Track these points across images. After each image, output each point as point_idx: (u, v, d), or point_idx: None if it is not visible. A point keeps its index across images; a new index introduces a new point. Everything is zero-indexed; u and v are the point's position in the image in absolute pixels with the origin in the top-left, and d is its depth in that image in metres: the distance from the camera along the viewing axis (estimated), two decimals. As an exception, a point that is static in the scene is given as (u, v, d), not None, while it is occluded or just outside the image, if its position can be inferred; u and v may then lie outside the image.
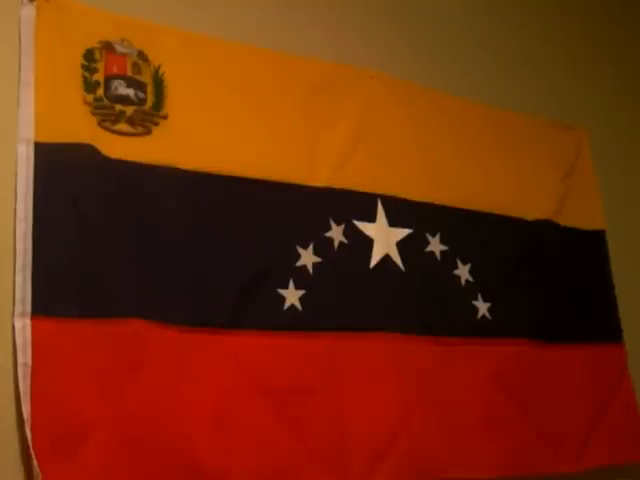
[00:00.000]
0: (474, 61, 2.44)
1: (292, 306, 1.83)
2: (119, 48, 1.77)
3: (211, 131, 1.84)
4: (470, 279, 2.13)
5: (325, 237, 1.93)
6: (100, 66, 1.74)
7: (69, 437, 1.48)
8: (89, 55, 1.73)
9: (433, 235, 2.11)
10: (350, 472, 1.78)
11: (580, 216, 2.44)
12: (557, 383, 2.18)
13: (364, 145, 2.07)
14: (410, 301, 2.01)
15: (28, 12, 1.69)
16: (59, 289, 1.56)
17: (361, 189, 2.02)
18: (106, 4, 1.79)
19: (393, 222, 2.04)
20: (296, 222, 1.90)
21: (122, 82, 1.75)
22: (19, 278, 1.53)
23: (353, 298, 1.92)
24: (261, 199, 1.86)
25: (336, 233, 1.95)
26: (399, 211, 2.06)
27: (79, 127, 1.66)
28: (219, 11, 1.98)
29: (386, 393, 1.89)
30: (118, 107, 1.73)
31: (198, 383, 1.65)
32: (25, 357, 1.49)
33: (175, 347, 1.65)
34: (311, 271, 1.88)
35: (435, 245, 2.11)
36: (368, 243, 1.99)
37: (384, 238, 2.01)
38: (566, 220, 2.40)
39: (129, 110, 1.74)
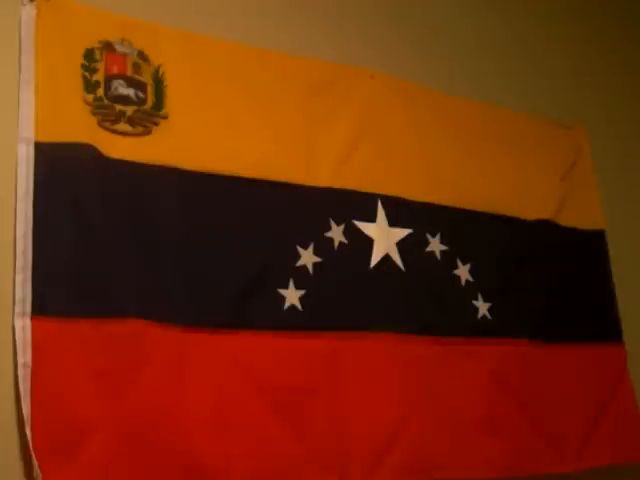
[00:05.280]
0: (474, 61, 2.44)
1: (292, 306, 1.83)
2: (119, 48, 1.77)
3: (211, 131, 1.84)
4: (470, 279, 2.13)
5: (325, 237, 1.93)
6: (100, 66, 1.74)
7: (69, 437, 1.48)
8: (89, 55, 1.73)
9: (433, 235, 2.11)
10: (350, 472, 1.78)
11: (580, 216, 2.44)
12: (557, 383, 2.18)
13: (364, 145, 2.07)
14: (410, 301, 2.01)
15: (28, 12, 1.69)
16: (59, 289, 1.56)
17: (361, 189, 2.02)
18: (106, 4, 1.79)
19: (393, 222, 2.04)
20: (296, 222, 1.90)
21: (122, 82, 1.75)
22: (19, 278, 1.53)
23: (353, 298, 1.92)
24: (261, 199, 1.86)
25: (336, 233, 1.95)
26: (399, 211, 2.06)
27: (79, 127, 1.66)
28: (219, 11, 1.98)
29: (386, 393, 1.89)
30: (118, 107, 1.73)
31: (198, 383, 1.65)
32: (25, 357, 1.49)
33: (175, 347, 1.65)
34: (311, 271, 1.88)
35: (435, 245, 2.11)
36: (368, 243, 1.99)
37: (384, 238, 2.01)
38: (566, 220, 2.40)
39: (129, 110, 1.74)
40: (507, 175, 2.33)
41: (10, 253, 1.55)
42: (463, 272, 2.13)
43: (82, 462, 1.48)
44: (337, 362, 1.85)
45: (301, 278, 1.86)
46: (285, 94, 1.99)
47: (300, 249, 1.88)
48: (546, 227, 2.34)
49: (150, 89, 1.78)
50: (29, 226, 1.56)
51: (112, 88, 1.73)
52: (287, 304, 1.82)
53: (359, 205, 2.01)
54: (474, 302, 2.12)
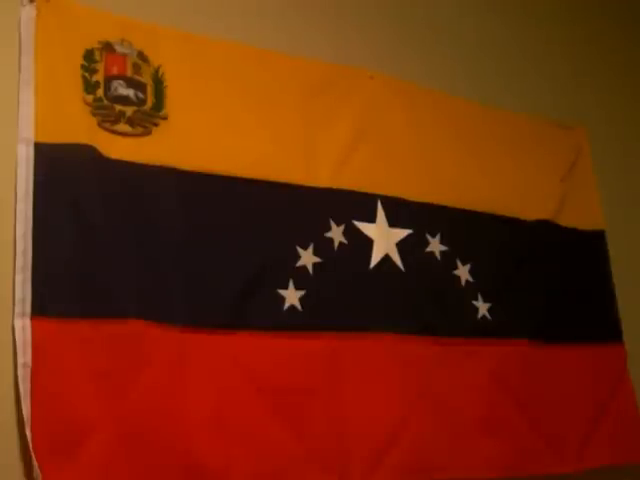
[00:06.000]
0: (474, 61, 2.44)
1: (292, 306, 1.83)
2: (119, 48, 1.77)
3: (211, 131, 1.84)
4: (470, 279, 2.13)
5: (325, 237, 1.93)
6: (100, 66, 1.74)
7: (69, 437, 1.48)
8: (89, 55, 1.73)
9: (433, 235, 2.11)
10: (350, 472, 1.78)
11: (580, 216, 2.44)
12: (557, 383, 2.18)
13: (364, 145, 2.07)
14: (410, 301, 2.01)
15: (28, 12, 1.69)
16: (59, 289, 1.56)
17: (361, 189, 2.02)
18: (106, 4, 1.79)
19: (393, 222, 2.04)
20: (296, 222, 1.90)
21: (122, 82, 1.75)
22: (19, 278, 1.53)
23: (353, 298, 1.92)
24: (261, 199, 1.86)
25: (336, 233, 1.95)
26: (399, 211, 2.06)
27: (79, 127, 1.66)
28: (219, 12, 1.98)
29: (386, 393, 1.89)
30: (118, 107, 1.73)
31: (198, 383, 1.65)
32: (25, 357, 1.49)
33: (175, 347, 1.65)
34: (311, 271, 1.88)
35: (435, 245, 2.11)
36: (368, 243, 1.99)
37: (384, 238, 2.01)
38: (566, 220, 2.40)
39: (129, 110, 1.74)
40: (507, 175, 2.33)
41: (10, 253, 1.55)
42: (463, 272, 2.13)
43: (82, 462, 1.48)
44: (337, 362, 1.85)
45: (301, 278, 1.86)
46: (284, 94, 1.99)
47: (300, 249, 1.88)
48: (546, 227, 2.34)
49: (150, 90, 1.78)
50: (29, 226, 1.56)
51: (112, 89, 1.74)
52: (287, 304, 1.82)
53: (359, 205, 2.01)
54: (474, 302, 2.12)
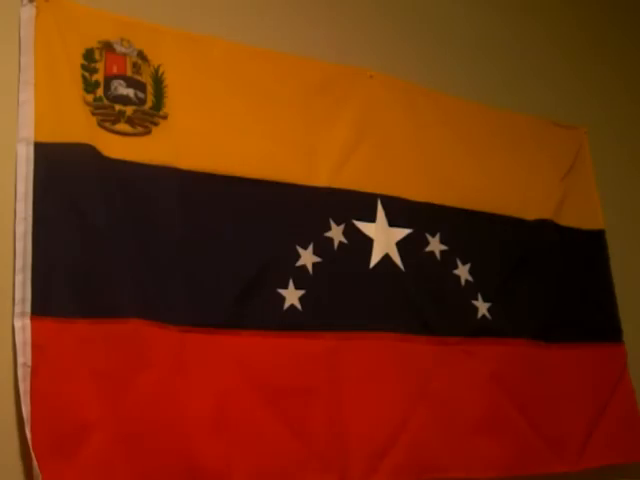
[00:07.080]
0: (474, 61, 2.44)
1: (292, 306, 1.83)
2: (119, 48, 1.77)
3: (211, 131, 1.84)
4: (470, 279, 2.13)
5: (325, 237, 1.93)
6: (100, 66, 1.74)
7: (69, 437, 1.48)
8: (89, 55, 1.73)
9: (433, 235, 2.11)
10: (350, 472, 1.78)
11: (580, 216, 2.44)
12: (557, 383, 2.18)
13: (364, 145, 2.07)
14: (410, 301, 2.00)
15: (28, 12, 1.69)
16: (59, 289, 1.56)
17: (361, 189, 2.02)
18: (106, 4, 1.79)
19: (393, 222, 2.04)
20: (296, 222, 1.90)
21: (122, 82, 1.75)
22: (19, 278, 1.53)
23: (353, 298, 1.92)
24: (261, 199, 1.86)
25: (336, 233, 1.95)
26: (399, 211, 2.06)
27: (79, 127, 1.66)
28: (219, 11, 1.98)
29: (386, 393, 1.89)
30: (118, 107, 1.73)
31: (198, 383, 1.65)
32: (25, 357, 1.49)
33: (175, 347, 1.65)
34: (311, 271, 1.88)
35: (435, 245, 2.11)
36: (368, 243, 1.99)
37: (384, 238, 2.01)
38: (566, 220, 2.40)
39: (129, 110, 1.74)
40: (507, 175, 2.33)
41: (10, 253, 1.55)
42: (463, 272, 2.13)
43: (82, 462, 1.47)
44: (337, 362, 1.85)
45: (301, 278, 1.86)
46: (285, 94, 1.99)
47: (300, 249, 1.88)
48: (546, 227, 2.34)
49: (150, 89, 1.78)
50: (29, 226, 1.56)
51: (112, 88, 1.74)
52: (287, 304, 1.82)
53: (359, 205, 2.01)
54: (474, 302, 2.12)
